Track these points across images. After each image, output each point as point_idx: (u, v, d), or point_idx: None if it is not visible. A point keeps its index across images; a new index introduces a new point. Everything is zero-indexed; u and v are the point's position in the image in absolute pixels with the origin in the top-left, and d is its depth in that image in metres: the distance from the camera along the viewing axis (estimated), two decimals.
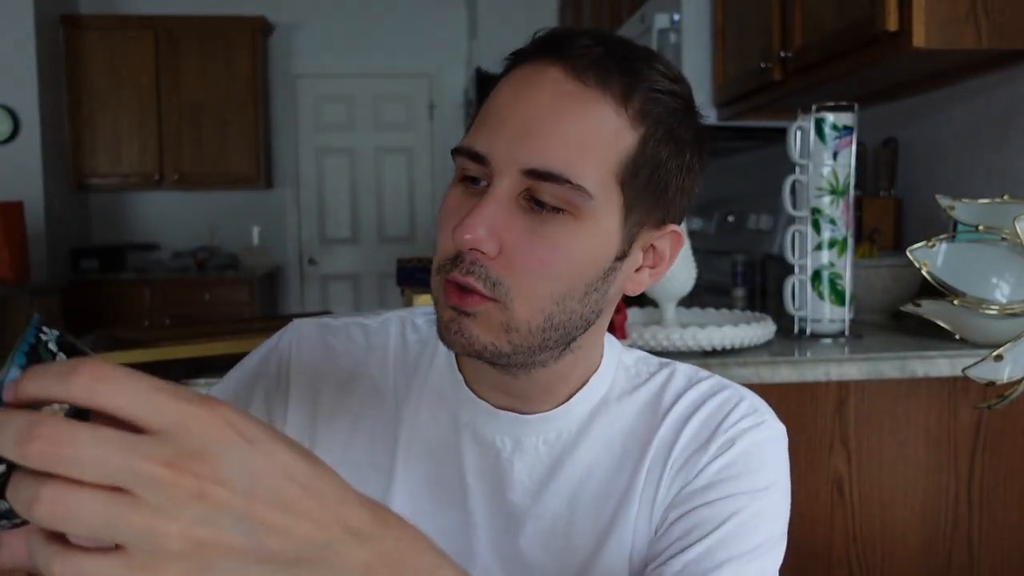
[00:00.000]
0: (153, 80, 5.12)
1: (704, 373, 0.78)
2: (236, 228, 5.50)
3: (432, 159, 5.67)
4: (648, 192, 0.68)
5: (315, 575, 0.38)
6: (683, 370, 0.78)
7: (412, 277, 1.56)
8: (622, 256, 0.68)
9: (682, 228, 0.73)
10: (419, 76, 5.61)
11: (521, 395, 0.72)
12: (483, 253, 0.64)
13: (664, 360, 0.79)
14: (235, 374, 0.79)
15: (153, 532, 0.34)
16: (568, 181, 0.63)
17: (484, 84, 3.96)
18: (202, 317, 4.86)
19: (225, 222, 5.48)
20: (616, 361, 0.76)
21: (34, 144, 4.69)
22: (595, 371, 0.74)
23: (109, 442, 0.34)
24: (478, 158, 0.65)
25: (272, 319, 1.65)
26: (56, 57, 4.96)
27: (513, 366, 0.69)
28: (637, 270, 0.71)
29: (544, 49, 0.67)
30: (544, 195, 0.64)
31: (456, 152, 0.67)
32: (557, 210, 0.64)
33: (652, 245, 0.71)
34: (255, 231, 5.53)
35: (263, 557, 0.36)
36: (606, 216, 0.66)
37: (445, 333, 0.67)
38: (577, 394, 0.73)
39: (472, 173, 0.67)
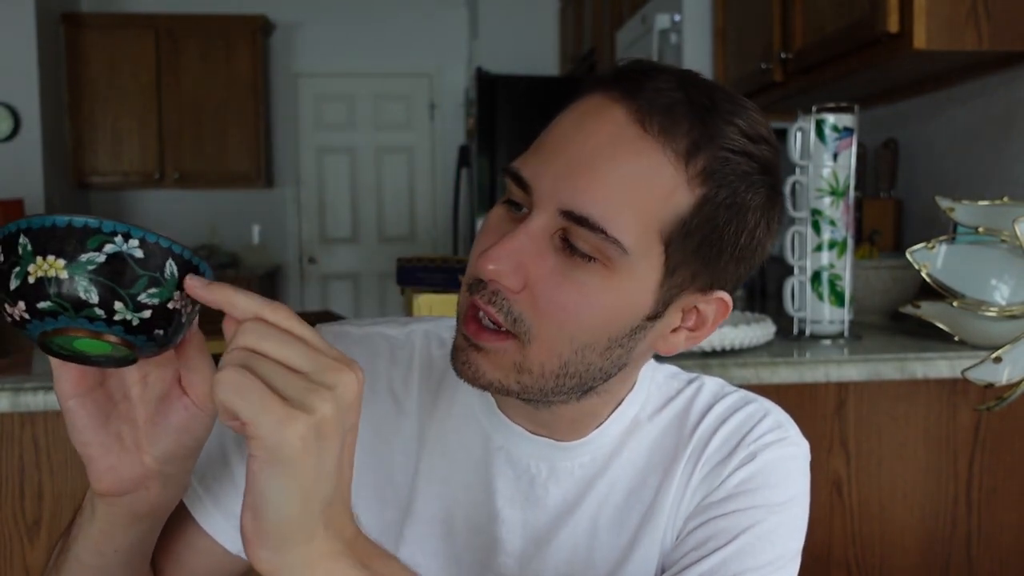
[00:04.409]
0: (154, 78, 5.12)
1: (730, 388, 0.77)
2: (236, 227, 5.50)
3: (432, 159, 5.67)
4: (697, 256, 0.63)
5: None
6: (710, 385, 0.77)
7: (412, 276, 1.55)
8: (654, 316, 0.65)
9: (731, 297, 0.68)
10: (420, 76, 5.61)
11: (548, 425, 0.71)
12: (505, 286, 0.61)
13: (692, 375, 0.78)
14: None
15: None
16: (603, 231, 0.60)
17: (485, 84, 3.95)
18: (202, 315, 4.85)
19: (225, 221, 5.48)
20: (649, 379, 0.75)
21: (35, 142, 4.69)
22: (628, 393, 0.73)
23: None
24: (522, 184, 0.63)
25: None
26: (57, 55, 4.96)
27: (528, 400, 0.67)
28: (674, 331, 0.68)
29: (619, 81, 0.63)
30: (578, 240, 0.61)
31: (505, 171, 0.65)
32: (589, 258, 0.61)
33: (695, 308, 0.67)
34: (255, 230, 5.53)
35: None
36: (643, 273, 0.62)
37: (454, 359, 0.65)
38: (610, 417, 0.72)
39: (515, 198, 0.64)
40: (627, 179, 0.60)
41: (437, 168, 5.66)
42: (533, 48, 4.77)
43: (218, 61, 5.16)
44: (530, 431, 0.71)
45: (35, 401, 1.23)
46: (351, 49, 5.48)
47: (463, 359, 0.64)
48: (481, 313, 0.63)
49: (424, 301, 1.45)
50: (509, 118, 3.94)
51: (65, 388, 0.54)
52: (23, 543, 1.28)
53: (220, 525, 0.71)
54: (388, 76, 5.57)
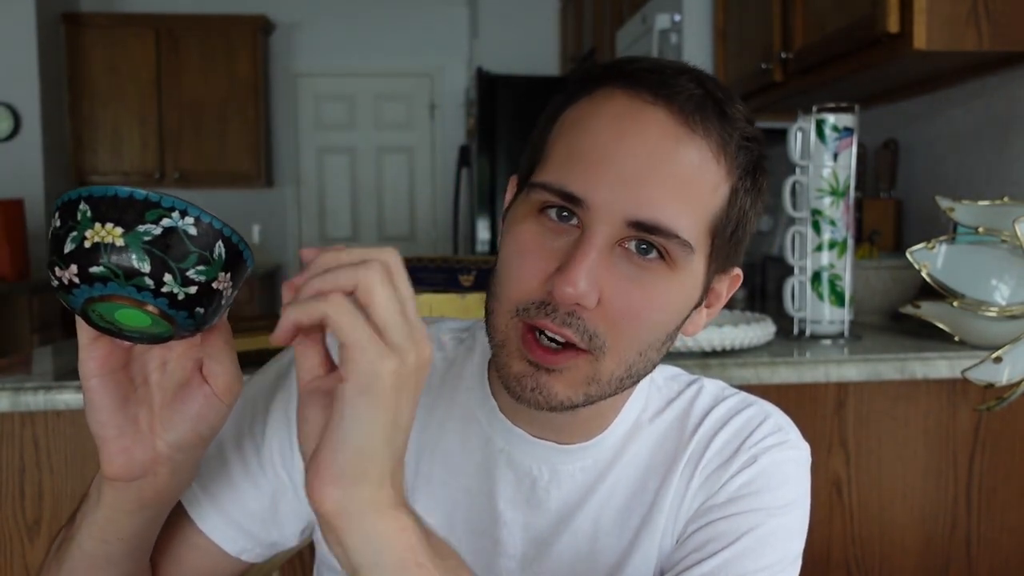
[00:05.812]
0: (154, 78, 5.13)
1: (731, 390, 0.77)
2: (236, 227, 5.35)
3: (432, 159, 5.68)
4: (730, 242, 0.67)
5: None
6: (710, 387, 0.77)
7: (412, 276, 1.55)
8: (699, 304, 0.68)
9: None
10: (420, 75, 5.61)
11: (559, 428, 0.71)
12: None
13: (692, 376, 0.79)
14: (257, 382, 0.76)
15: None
16: (676, 236, 0.61)
17: (485, 84, 3.95)
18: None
19: (225, 220, 5.47)
20: (648, 381, 0.75)
21: (35, 142, 4.69)
22: (632, 394, 0.73)
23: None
24: (573, 200, 0.61)
25: (272, 317, 1.65)
26: (57, 55, 4.96)
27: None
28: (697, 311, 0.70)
29: (641, 82, 0.63)
30: (644, 245, 0.62)
31: (540, 187, 0.63)
32: (658, 259, 0.62)
33: (713, 287, 0.70)
34: (255, 230, 5.54)
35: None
36: (696, 266, 0.64)
37: (518, 387, 0.63)
38: (614, 420, 0.72)
39: (558, 211, 0.63)
40: (684, 179, 0.62)
41: (437, 168, 5.66)
42: (533, 48, 4.77)
43: (218, 61, 5.17)
44: (532, 434, 0.71)
45: (35, 401, 1.23)
46: (351, 49, 5.48)
47: (531, 385, 0.63)
48: (540, 333, 0.62)
49: (424, 301, 1.45)
50: (509, 118, 3.94)
51: (91, 366, 0.55)
52: (23, 543, 1.28)
53: (216, 525, 0.71)
54: (388, 76, 5.58)
